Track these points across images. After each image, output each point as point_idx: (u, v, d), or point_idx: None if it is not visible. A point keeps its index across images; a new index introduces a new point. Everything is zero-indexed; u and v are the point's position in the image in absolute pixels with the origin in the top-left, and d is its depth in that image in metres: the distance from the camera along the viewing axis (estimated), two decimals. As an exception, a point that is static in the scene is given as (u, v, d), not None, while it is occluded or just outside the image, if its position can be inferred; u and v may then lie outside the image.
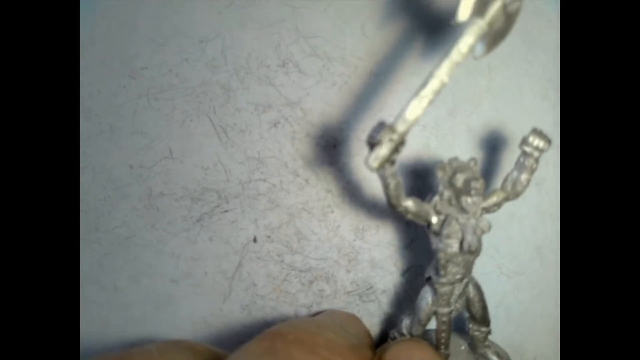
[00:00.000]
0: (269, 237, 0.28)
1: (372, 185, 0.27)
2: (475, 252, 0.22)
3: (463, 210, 0.22)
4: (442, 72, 0.18)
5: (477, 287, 0.25)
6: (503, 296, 0.29)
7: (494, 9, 0.18)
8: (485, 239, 0.28)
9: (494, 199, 0.23)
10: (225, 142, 0.27)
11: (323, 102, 0.27)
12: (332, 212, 0.28)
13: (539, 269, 0.29)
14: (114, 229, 0.27)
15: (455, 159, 0.22)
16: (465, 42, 0.18)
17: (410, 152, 0.27)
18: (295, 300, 0.28)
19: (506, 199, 0.23)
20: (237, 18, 0.27)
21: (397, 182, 0.20)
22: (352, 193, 0.27)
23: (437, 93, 0.18)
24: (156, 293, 0.28)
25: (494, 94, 0.28)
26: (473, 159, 0.22)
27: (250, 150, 0.27)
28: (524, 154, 0.23)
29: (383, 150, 0.18)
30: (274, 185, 0.27)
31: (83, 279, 0.27)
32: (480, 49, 0.19)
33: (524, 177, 0.23)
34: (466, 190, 0.22)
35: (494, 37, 0.19)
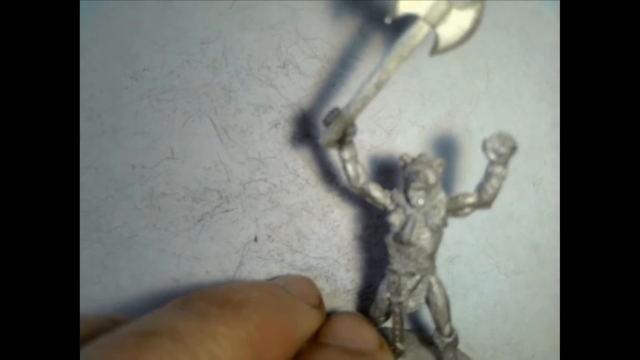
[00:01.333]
0: (269, 236, 0.28)
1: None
2: (407, 244, 0.22)
3: (409, 202, 0.22)
4: (388, 64, 0.19)
5: (440, 290, 0.24)
6: (501, 295, 0.29)
7: (436, 10, 0.18)
8: (484, 237, 0.29)
9: (457, 202, 0.22)
10: (226, 142, 0.27)
11: (323, 102, 0.27)
12: (332, 212, 0.28)
13: (537, 268, 0.29)
14: (116, 228, 0.27)
15: (424, 154, 0.23)
16: (406, 35, 0.19)
17: (409, 152, 0.28)
18: (295, 299, 0.28)
19: (473, 206, 0.22)
20: (238, 20, 0.27)
21: (355, 164, 0.23)
22: (352, 193, 0.28)
23: (383, 83, 0.20)
24: (158, 292, 0.28)
25: (492, 95, 0.28)
26: (440, 159, 0.23)
27: (251, 151, 0.27)
28: (489, 160, 0.21)
29: (332, 129, 0.21)
30: (275, 185, 0.28)
31: (85, 278, 0.27)
32: (437, 45, 0.19)
33: (489, 185, 0.21)
34: (408, 183, 0.22)
35: (449, 36, 0.19)
